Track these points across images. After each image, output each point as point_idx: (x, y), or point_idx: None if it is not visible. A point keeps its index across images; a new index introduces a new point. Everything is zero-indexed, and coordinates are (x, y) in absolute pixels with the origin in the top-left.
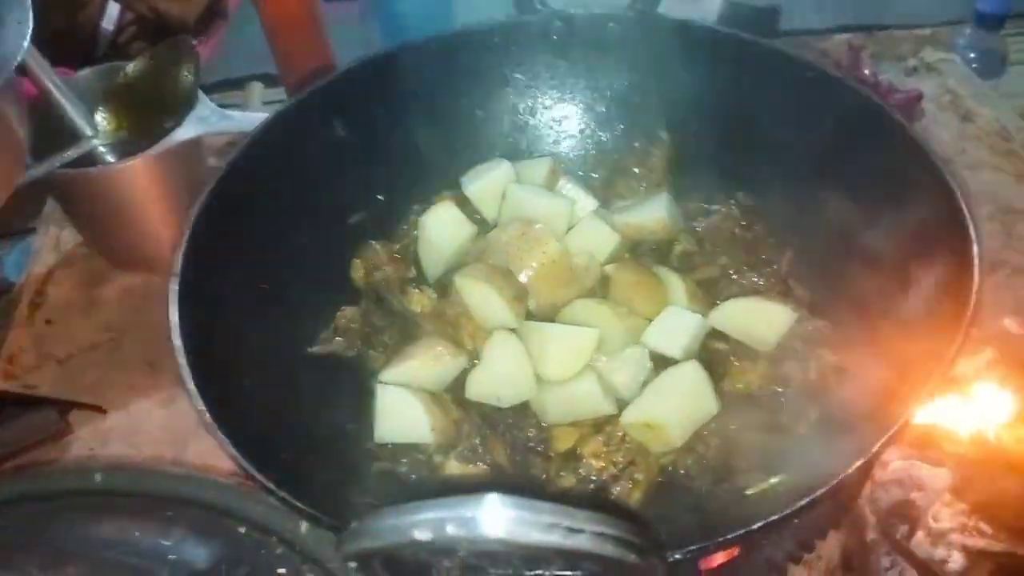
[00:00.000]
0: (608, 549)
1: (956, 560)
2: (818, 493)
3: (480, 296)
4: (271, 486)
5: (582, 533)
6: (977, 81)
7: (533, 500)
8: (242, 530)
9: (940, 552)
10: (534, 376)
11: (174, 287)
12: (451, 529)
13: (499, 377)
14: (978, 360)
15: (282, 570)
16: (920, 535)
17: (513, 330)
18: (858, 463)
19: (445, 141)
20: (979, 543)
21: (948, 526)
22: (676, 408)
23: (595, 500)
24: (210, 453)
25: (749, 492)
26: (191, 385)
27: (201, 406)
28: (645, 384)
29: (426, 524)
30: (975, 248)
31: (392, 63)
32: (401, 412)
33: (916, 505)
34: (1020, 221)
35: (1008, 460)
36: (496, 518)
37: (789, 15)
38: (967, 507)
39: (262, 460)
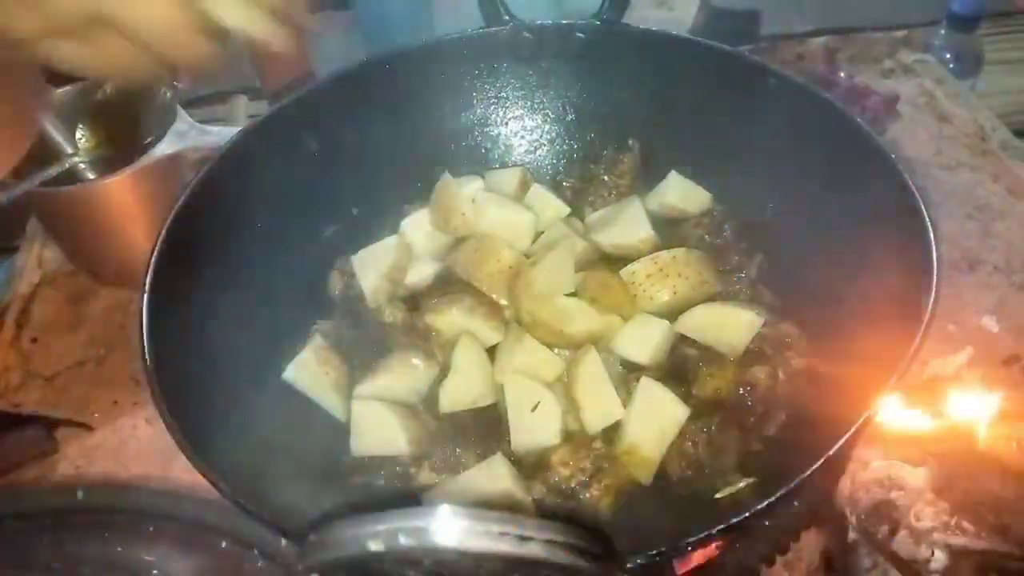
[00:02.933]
0: (560, 556)
1: (939, 559)
2: (779, 494)
3: (455, 324)
4: (242, 502)
5: (532, 541)
6: (953, 82)
7: (485, 510)
8: (224, 544)
9: (923, 551)
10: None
11: (143, 304)
12: (404, 539)
13: (470, 381)
14: (957, 359)
15: None
16: (902, 535)
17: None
18: (817, 464)
19: (418, 153)
20: (961, 541)
21: (930, 525)
22: (645, 427)
23: (563, 510)
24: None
25: (719, 495)
26: (159, 401)
27: (169, 421)
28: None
29: (380, 535)
30: (933, 249)
31: (362, 77)
32: (376, 425)
33: (897, 505)
34: (997, 220)
35: (988, 458)
36: (448, 528)
37: (770, 19)
38: (949, 506)
39: (233, 475)
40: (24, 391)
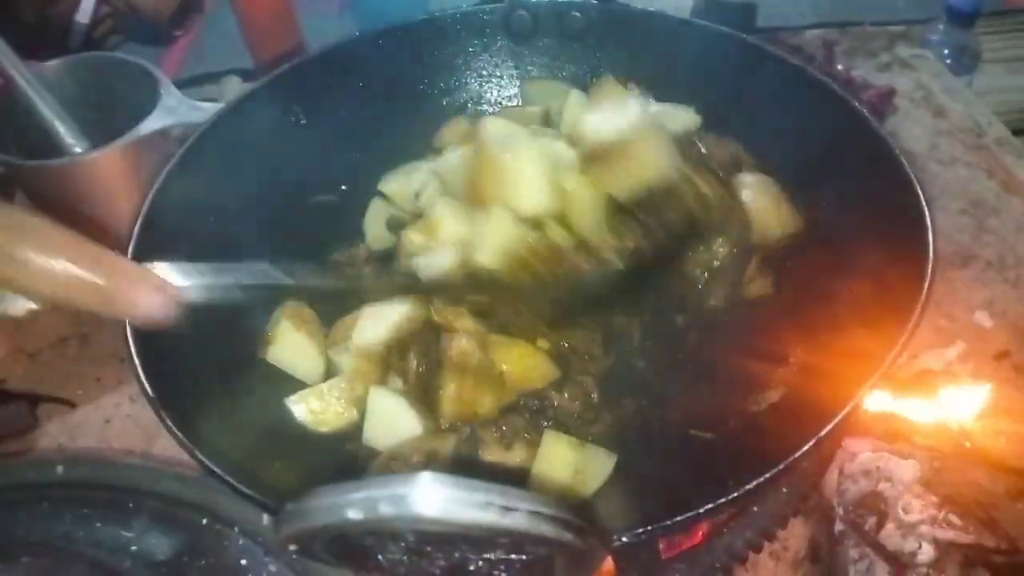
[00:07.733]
0: (544, 528)
1: (926, 552)
2: (768, 475)
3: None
4: (219, 473)
5: (516, 512)
6: (950, 77)
7: (468, 479)
8: (204, 521)
9: (910, 544)
10: None
11: None
12: (383, 508)
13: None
14: (949, 353)
15: (244, 561)
16: (890, 527)
17: None
18: (807, 445)
19: (408, 129)
20: (949, 535)
21: (918, 518)
22: None
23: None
24: (178, 447)
25: None
26: (141, 374)
27: (151, 395)
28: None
29: (358, 503)
30: (930, 236)
31: (354, 51)
32: (391, 414)
33: (884, 497)
34: (991, 216)
35: (977, 452)
36: (429, 496)
37: (768, 12)
38: (937, 499)
39: (216, 451)
40: (7, 367)
